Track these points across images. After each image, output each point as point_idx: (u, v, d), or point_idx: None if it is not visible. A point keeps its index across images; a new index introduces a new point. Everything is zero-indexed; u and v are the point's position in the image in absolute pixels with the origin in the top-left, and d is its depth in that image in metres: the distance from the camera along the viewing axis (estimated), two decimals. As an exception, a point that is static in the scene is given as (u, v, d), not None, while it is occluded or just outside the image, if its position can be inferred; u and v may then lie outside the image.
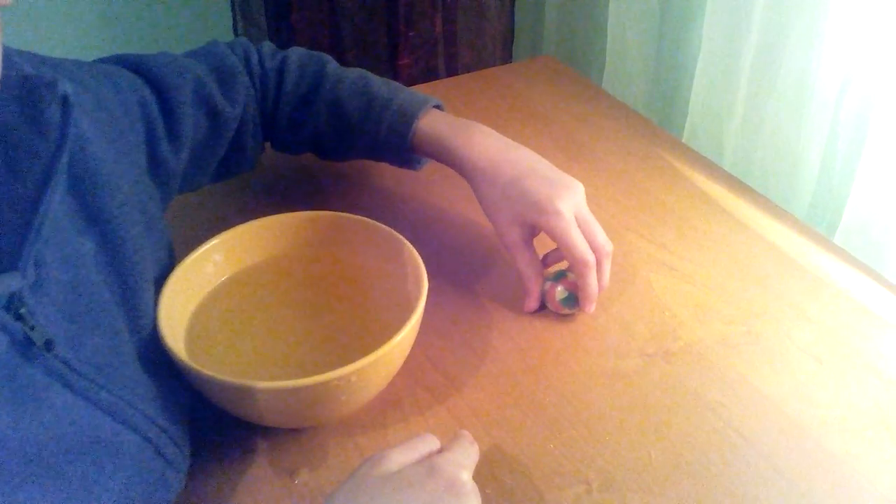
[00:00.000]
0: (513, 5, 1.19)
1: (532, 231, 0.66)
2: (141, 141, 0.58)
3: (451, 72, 1.23)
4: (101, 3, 1.43)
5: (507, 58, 1.24)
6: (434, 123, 0.69)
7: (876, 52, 0.72)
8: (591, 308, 0.65)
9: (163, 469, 0.49)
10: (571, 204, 0.64)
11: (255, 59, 0.71)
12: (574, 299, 0.66)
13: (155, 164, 0.59)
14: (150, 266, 0.53)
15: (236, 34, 1.45)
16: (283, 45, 1.26)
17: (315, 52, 0.74)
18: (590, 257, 0.63)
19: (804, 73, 0.77)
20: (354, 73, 0.72)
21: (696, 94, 0.91)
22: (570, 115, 0.96)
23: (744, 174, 0.85)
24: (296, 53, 0.73)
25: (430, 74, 1.21)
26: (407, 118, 0.69)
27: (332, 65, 0.73)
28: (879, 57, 0.72)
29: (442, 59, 1.22)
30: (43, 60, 0.52)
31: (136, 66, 0.62)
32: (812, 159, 0.79)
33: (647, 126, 0.93)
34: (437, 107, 0.72)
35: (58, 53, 0.55)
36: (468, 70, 1.17)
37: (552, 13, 1.20)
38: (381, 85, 0.71)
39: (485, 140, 0.68)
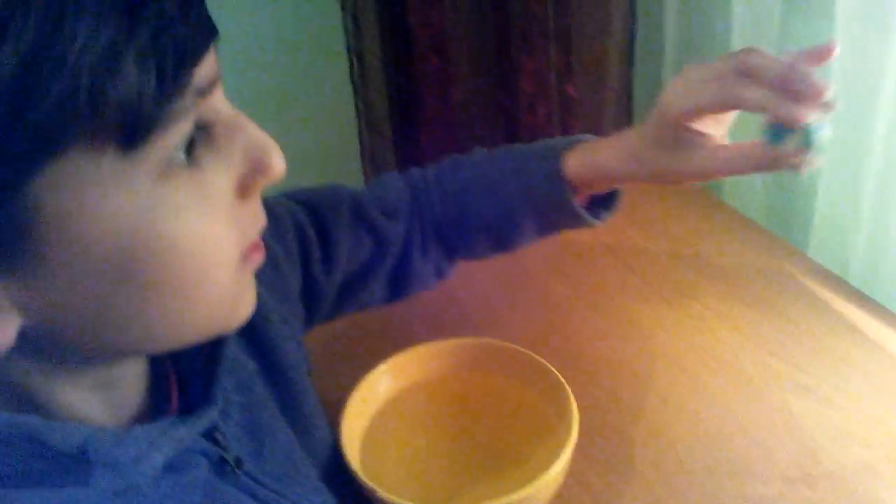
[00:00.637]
0: (630, 118, 1.25)
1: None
2: (297, 265, 0.63)
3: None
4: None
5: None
6: (582, 147, 0.65)
7: None
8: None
9: None
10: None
11: (419, 176, 0.72)
12: (780, 130, 0.52)
13: (306, 285, 0.64)
14: (304, 377, 0.59)
15: (361, 141, 1.55)
16: (409, 149, 1.33)
17: (470, 152, 0.73)
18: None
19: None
20: (502, 149, 0.71)
21: (819, 209, 0.94)
22: (690, 227, 1.00)
23: (872, 289, 0.87)
24: (450, 158, 0.73)
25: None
26: (553, 151, 0.65)
27: (481, 153, 0.71)
28: None
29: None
30: None
31: (294, 195, 0.66)
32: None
33: (772, 240, 0.96)
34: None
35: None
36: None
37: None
38: (525, 145, 0.69)
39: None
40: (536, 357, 0.68)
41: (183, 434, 0.43)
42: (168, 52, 0.33)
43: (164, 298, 0.38)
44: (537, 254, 0.96)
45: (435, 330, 0.84)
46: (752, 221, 1.01)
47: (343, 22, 1.33)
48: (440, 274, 0.73)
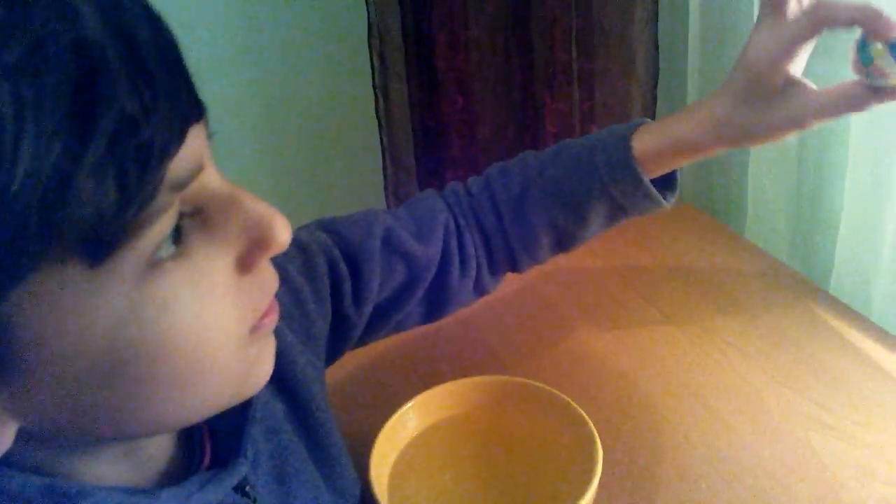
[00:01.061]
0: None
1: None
2: (326, 303, 0.62)
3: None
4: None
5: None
6: (649, 127, 0.65)
7: None
8: None
9: None
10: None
11: (461, 191, 0.71)
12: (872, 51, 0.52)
13: (335, 321, 0.64)
14: (330, 418, 0.60)
15: (385, 177, 1.58)
16: (431, 175, 1.33)
17: (516, 157, 0.72)
18: None
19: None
20: (554, 147, 0.71)
21: (840, 250, 0.95)
22: (715, 266, 1.02)
23: (894, 327, 0.88)
24: (493, 167, 0.72)
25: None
26: (620, 136, 0.65)
27: (531, 154, 0.71)
28: None
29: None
30: None
31: (327, 226, 0.66)
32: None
33: (795, 277, 0.97)
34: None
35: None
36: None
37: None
38: (579, 140, 0.69)
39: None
40: (560, 394, 0.70)
41: (212, 497, 0.42)
42: (129, 159, 0.30)
43: (163, 391, 0.36)
44: (563, 293, 0.99)
45: (460, 368, 0.86)
46: (775, 258, 1.02)
47: (370, 59, 1.36)
48: (480, 291, 0.73)
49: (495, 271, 0.73)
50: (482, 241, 0.70)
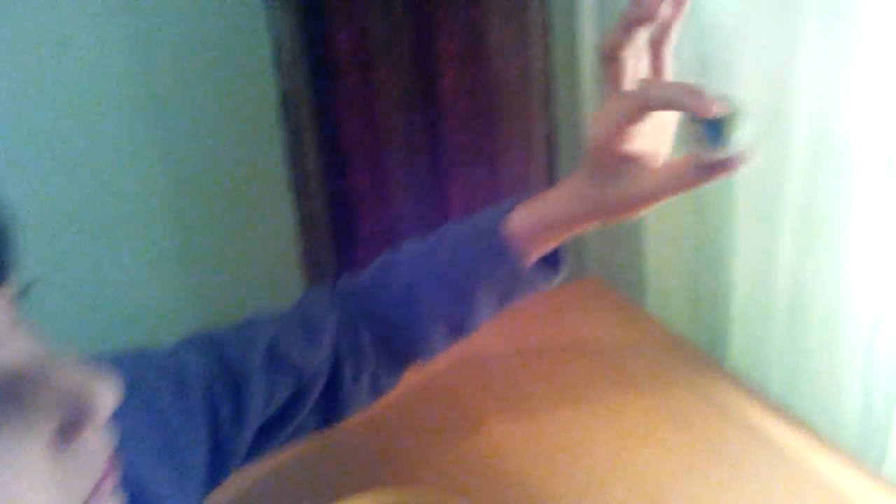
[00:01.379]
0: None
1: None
2: (201, 429, 0.59)
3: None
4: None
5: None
6: (521, 206, 0.65)
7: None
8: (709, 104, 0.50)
9: None
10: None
11: (352, 287, 0.70)
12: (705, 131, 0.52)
13: (214, 445, 0.60)
14: None
15: (299, 241, 1.56)
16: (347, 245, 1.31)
17: (403, 245, 0.71)
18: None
19: (834, 313, 0.83)
20: (437, 234, 0.70)
21: (735, 325, 0.97)
22: (618, 341, 1.03)
23: (789, 400, 0.90)
24: (381, 258, 0.71)
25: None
26: (493, 220, 0.65)
27: (415, 242, 0.70)
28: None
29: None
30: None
31: (204, 341, 0.63)
32: (853, 393, 0.83)
33: (695, 353, 0.98)
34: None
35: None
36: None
37: (591, 235, 1.29)
38: (457, 225, 0.69)
39: None
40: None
41: None
42: None
43: None
44: (465, 379, 0.97)
45: (366, 482, 0.83)
46: (675, 332, 1.03)
47: (283, 129, 1.35)
48: (378, 391, 0.71)
49: (393, 369, 0.71)
50: (376, 338, 0.69)
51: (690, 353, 0.99)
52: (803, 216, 0.84)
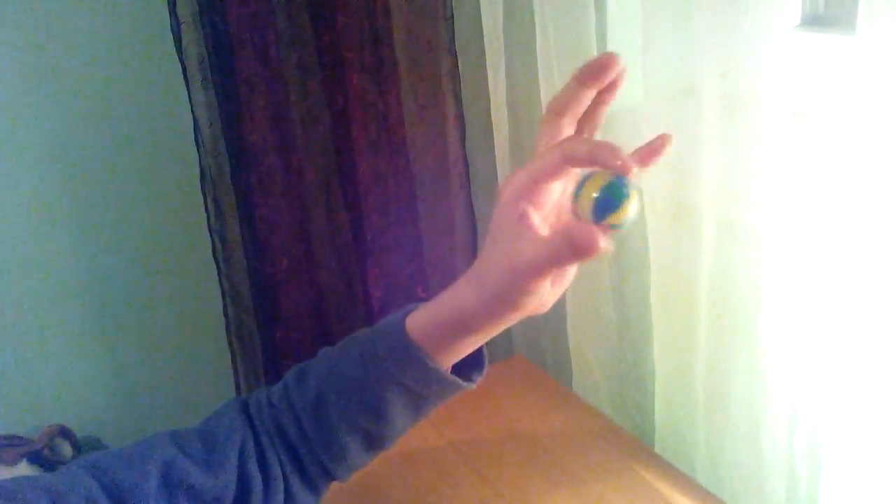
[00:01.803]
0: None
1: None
2: None
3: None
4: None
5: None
6: (422, 306, 0.62)
7: (819, 392, 0.79)
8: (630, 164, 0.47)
9: None
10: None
11: (264, 401, 0.67)
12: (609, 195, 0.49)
13: None
14: None
15: (227, 318, 1.53)
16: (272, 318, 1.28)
17: (315, 357, 0.68)
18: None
19: (754, 401, 0.83)
20: (343, 341, 0.67)
21: (658, 411, 0.97)
22: (543, 425, 1.01)
23: (716, 487, 0.89)
24: (293, 370, 0.68)
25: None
26: (396, 323, 0.62)
27: (325, 352, 0.67)
28: (823, 397, 0.78)
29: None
30: None
31: (93, 467, 0.60)
32: (778, 482, 0.83)
33: (619, 435, 0.98)
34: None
35: None
36: (446, 377, 1.23)
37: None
38: (364, 331, 0.65)
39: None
40: None
41: None
42: None
43: None
44: (390, 473, 0.95)
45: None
46: (601, 414, 1.03)
47: (204, 204, 1.34)
48: None
49: (312, 487, 0.68)
50: (289, 455, 0.65)
51: (617, 436, 0.98)
52: (716, 303, 0.84)
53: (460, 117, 1.16)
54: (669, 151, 0.54)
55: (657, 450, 0.98)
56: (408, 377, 0.61)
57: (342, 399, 0.63)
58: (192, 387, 1.59)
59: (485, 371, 0.66)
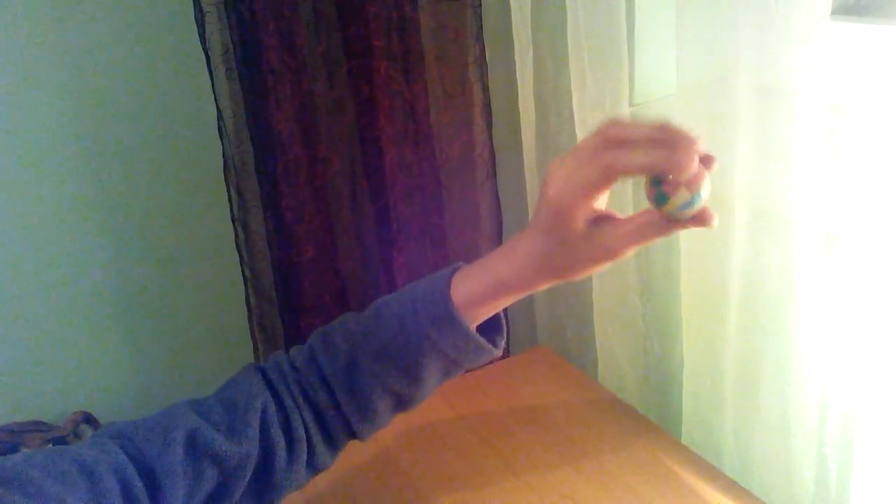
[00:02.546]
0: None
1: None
2: None
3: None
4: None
5: (505, 351, 1.31)
6: (466, 272, 0.64)
7: (850, 382, 0.78)
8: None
9: None
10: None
11: (286, 366, 0.67)
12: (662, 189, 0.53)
13: None
14: None
15: (249, 307, 1.54)
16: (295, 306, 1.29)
17: (336, 321, 0.69)
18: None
19: (785, 392, 0.82)
20: (372, 307, 0.68)
21: (686, 403, 0.96)
22: (568, 414, 1.01)
23: (744, 478, 0.89)
24: (316, 335, 0.68)
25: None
26: (439, 289, 0.63)
27: (351, 318, 0.68)
28: (854, 386, 0.78)
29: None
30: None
31: (119, 436, 0.60)
32: (807, 472, 0.83)
33: (646, 426, 0.97)
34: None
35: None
36: (471, 366, 1.24)
37: (542, 305, 1.28)
38: (396, 296, 0.67)
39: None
40: None
41: None
42: None
43: None
44: (413, 454, 0.95)
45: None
46: (626, 405, 1.03)
47: (227, 192, 1.34)
48: (316, 469, 0.68)
49: (333, 446, 0.68)
50: (315, 418, 0.66)
51: (643, 426, 0.98)
52: (748, 294, 0.84)
53: (487, 106, 1.16)
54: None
55: (683, 441, 0.97)
56: (448, 345, 0.63)
57: (378, 363, 0.64)
58: (214, 375, 1.59)
59: (506, 335, 0.68)
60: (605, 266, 0.59)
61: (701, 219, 0.53)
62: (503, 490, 0.90)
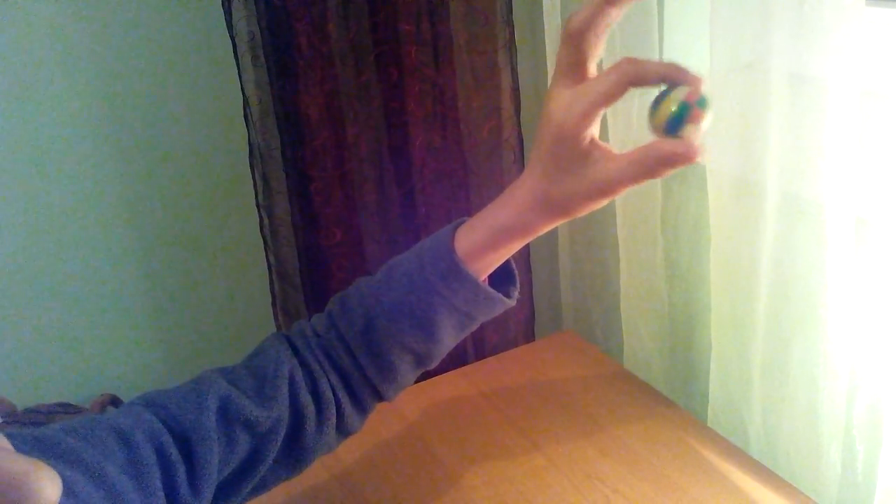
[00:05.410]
0: (531, 290, 1.29)
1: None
2: (156, 498, 0.56)
3: (480, 354, 1.30)
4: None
5: (530, 335, 1.32)
6: (468, 224, 0.65)
7: (879, 366, 0.79)
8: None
9: None
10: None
11: (309, 332, 0.69)
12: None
13: None
14: None
15: (273, 293, 1.55)
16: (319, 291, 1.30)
17: (351, 285, 0.70)
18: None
19: (813, 375, 0.83)
20: (384, 269, 0.69)
21: (713, 386, 0.97)
22: (594, 397, 1.02)
23: (770, 460, 0.90)
24: (334, 300, 0.70)
25: (458, 358, 1.29)
26: (443, 243, 0.64)
27: (364, 281, 0.69)
28: (883, 370, 0.78)
29: (470, 342, 1.31)
30: (38, 439, 0.52)
31: (154, 403, 0.61)
32: (834, 456, 0.83)
33: (672, 409, 0.98)
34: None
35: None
36: (495, 351, 1.24)
37: (567, 289, 1.29)
38: (406, 256, 0.68)
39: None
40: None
41: None
42: None
43: None
44: (439, 432, 0.96)
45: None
46: (653, 388, 1.03)
47: (253, 178, 1.35)
48: (346, 432, 0.70)
49: (361, 408, 0.70)
50: (341, 382, 0.68)
51: (670, 410, 0.99)
52: (778, 280, 0.84)
53: (516, 90, 1.16)
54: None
55: (710, 424, 0.98)
56: (459, 298, 0.64)
57: (393, 323, 0.66)
58: (238, 359, 1.61)
59: (518, 283, 0.69)
60: (602, 203, 0.58)
61: (688, 153, 0.51)
62: (530, 469, 0.91)
